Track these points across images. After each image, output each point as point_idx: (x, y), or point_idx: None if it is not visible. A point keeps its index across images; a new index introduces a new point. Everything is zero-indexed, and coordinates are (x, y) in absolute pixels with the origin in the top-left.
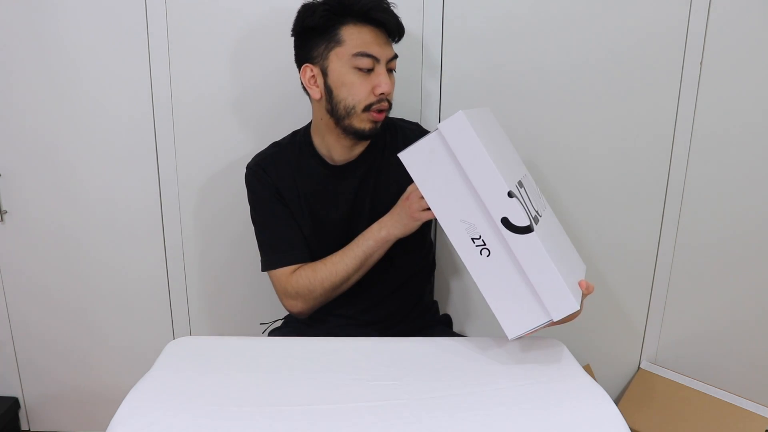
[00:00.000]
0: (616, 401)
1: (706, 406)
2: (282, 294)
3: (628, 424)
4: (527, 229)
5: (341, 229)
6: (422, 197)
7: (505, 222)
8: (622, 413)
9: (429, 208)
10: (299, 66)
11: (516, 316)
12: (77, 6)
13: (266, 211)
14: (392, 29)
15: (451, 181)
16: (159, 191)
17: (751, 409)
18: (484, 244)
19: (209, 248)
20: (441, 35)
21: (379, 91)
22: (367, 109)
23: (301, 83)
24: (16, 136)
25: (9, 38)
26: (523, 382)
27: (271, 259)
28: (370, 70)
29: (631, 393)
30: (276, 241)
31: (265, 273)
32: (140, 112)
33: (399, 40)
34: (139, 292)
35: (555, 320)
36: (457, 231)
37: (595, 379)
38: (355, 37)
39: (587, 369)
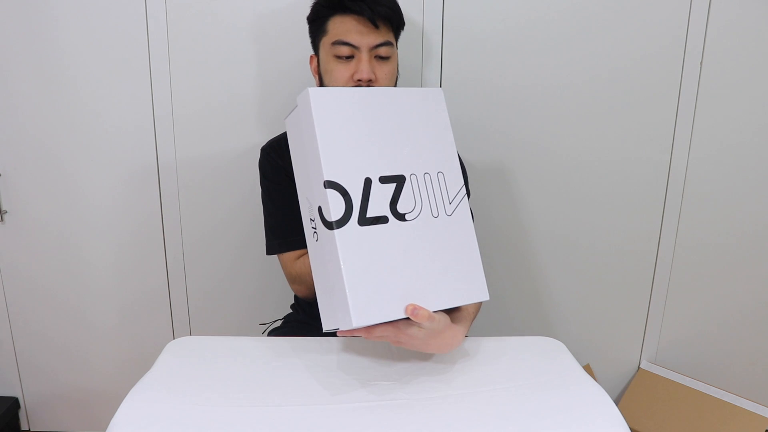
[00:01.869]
0: (616, 401)
1: (706, 406)
2: (287, 277)
3: (628, 424)
4: (331, 225)
5: None
6: None
7: (320, 211)
8: (622, 413)
9: None
10: None
11: (327, 311)
12: (77, 6)
13: (275, 195)
14: (371, 18)
15: (301, 156)
16: (159, 191)
17: (751, 409)
18: (315, 229)
19: (209, 248)
20: (441, 36)
21: (357, 77)
22: None
23: None
24: (16, 136)
25: (9, 39)
26: (522, 382)
27: (274, 244)
28: (350, 58)
29: (631, 393)
30: (283, 225)
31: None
32: (140, 111)
33: (396, 28)
34: (139, 291)
35: (342, 329)
36: (303, 207)
37: (595, 379)
38: (337, 27)
39: (587, 369)
